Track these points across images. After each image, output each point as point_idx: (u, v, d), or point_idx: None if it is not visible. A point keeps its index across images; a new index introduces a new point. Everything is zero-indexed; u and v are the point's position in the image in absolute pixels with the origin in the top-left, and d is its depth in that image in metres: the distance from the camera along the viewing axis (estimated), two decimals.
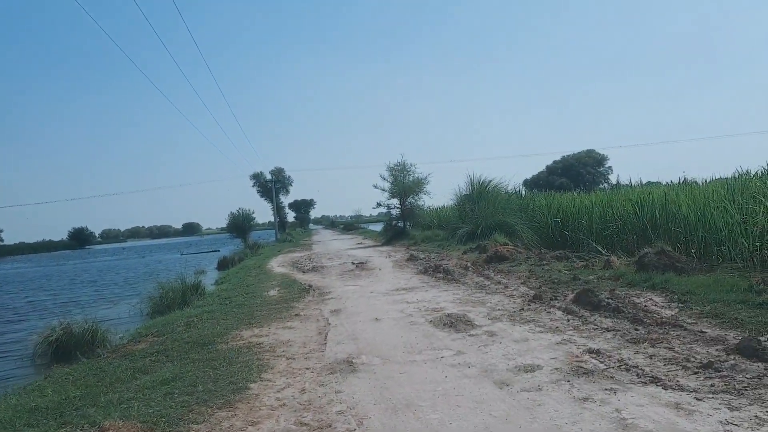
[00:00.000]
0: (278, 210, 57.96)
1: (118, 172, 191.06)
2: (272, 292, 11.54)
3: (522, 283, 9.81)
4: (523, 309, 7.58)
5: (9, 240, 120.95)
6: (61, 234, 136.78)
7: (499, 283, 10.20)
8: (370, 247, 25.77)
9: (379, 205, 29.55)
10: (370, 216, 78.18)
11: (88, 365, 6.46)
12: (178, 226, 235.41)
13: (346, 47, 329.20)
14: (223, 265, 23.99)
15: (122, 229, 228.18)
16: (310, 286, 12.15)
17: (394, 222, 29.35)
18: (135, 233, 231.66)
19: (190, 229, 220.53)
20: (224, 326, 7.98)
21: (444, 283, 10.83)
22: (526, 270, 11.27)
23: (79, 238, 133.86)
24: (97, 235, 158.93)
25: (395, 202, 28.54)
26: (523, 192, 23.12)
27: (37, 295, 20.45)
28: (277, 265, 18.90)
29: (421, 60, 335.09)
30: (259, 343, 6.72)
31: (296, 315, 8.59)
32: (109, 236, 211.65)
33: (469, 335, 6.35)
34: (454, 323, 6.88)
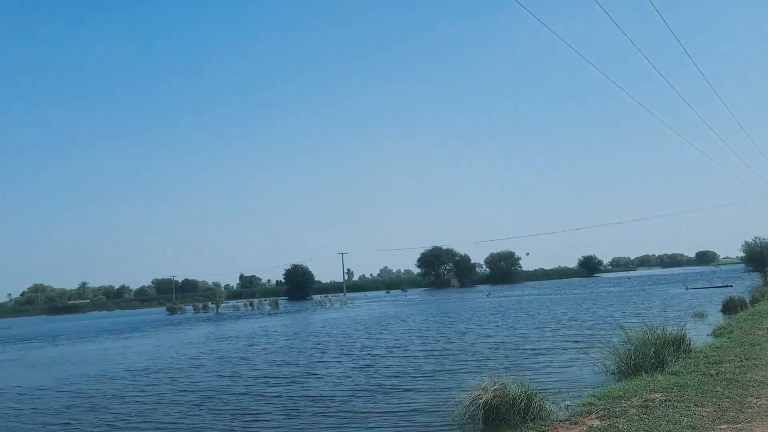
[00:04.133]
0: None
1: (624, 199, 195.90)
2: None
3: None
4: None
5: (529, 266, 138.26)
6: (574, 261, 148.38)
7: None
8: None
9: None
10: None
11: None
12: (691, 254, 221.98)
13: None
14: (729, 307, 19.78)
15: (632, 257, 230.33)
16: None
17: None
18: (644, 261, 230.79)
19: (704, 258, 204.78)
20: (691, 421, 5.54)
21: None
22: None
23: (588, 266, 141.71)
24: (605, 262, 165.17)
25: None
26: None
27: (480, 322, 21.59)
28: None
29: None
30: None
31: None
32: (619, 264, 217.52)
33: None
34: None
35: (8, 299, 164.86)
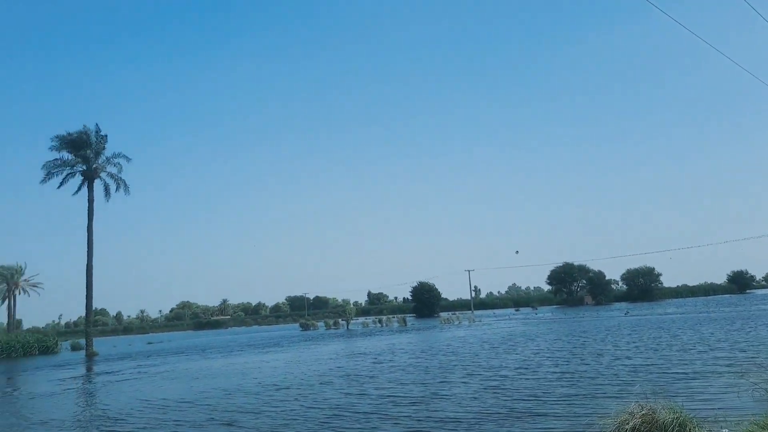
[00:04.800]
0: None
1: None
2: None
3: None
4: None
5: (671, 282, 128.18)
6: (722, 276, 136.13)
7: None
8: None
9: None
10: None
11: None
12: None
13: None
14: None
15: None
16: None
17: None
18: None
19: None
20: None
21: None
22: None
23: (739, 282, 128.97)
24: (759, 277, 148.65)
25: None
26: None
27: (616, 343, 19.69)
28: None
29: None
30: None
31: None
32: None
33: None
34: None
35: (159, 315, 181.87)
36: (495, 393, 12.25)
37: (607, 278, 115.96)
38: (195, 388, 17.08)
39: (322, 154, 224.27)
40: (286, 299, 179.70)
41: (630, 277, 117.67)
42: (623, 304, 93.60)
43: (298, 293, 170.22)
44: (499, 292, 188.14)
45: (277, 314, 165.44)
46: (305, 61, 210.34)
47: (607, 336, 26.82)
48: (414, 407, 11.24)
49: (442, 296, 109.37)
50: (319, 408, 11.92)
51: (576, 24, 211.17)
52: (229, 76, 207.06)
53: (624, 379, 13.02)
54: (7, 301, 71.98)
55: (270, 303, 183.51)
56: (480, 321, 59.19)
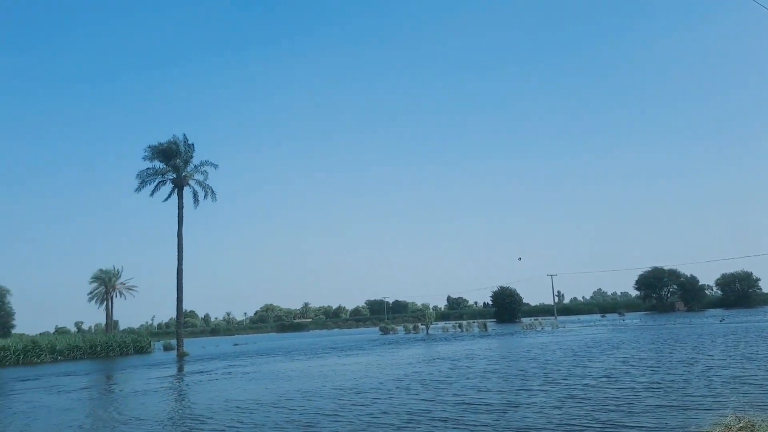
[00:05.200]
0: None
1: None
2: None
3: None
4: None
5: None
6: None
7: None
8: None
9: None
10: None
11: None
12: None
13: None
14: None
15: None
16: None
17: None
18: None
19: None
20: None
21: None
22: None
23: None
24: None
25: None
26: None
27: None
28: None
29: None
30: None
31: None
32: None
33: None
34: None
35: (244, 317, 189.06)
36: (578, 402, 11.83)
37: (700, 283, 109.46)
38: (277, 390, 17.60)
39: (405, 156, 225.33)
40: (365, 303, 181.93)
41: (725, 282, 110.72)
42: (718, 311, 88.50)
43: (378, 297, 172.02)
44: (583, 297, 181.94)
45: (356, 318, 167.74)
46: (403, 53, 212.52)
47: (699, 344, 25.27)
48: (492, 415, 11.05)
49: (524, 301, 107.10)
50: (395, 413, 11.96)
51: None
52: (317, 71, 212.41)
53: (718, 390, 12.23)
54: (105, 303, 77.13)
55: (350, 306, 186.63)
56: (563, 327, 57.38)
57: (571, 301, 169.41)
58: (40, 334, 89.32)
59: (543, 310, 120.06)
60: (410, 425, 10.56)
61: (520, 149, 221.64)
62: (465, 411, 11.68)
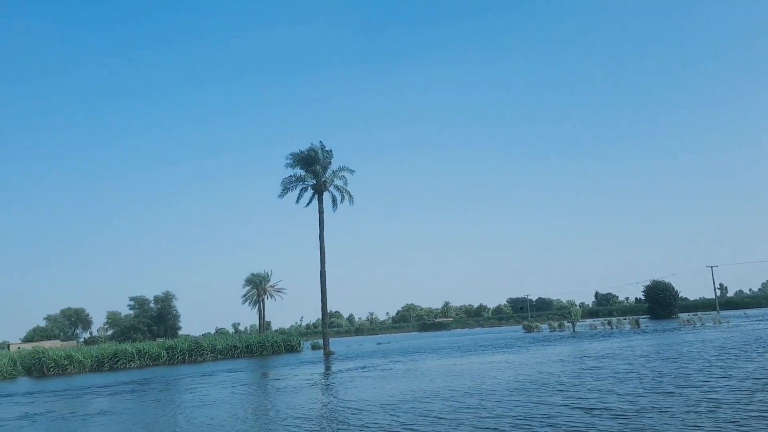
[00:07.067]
0: None
1: None
2: None
3: None
4: None
5: None
6: None
7: None
8: None
9: None
10: None
11: None
12: None
13: None
14: None
15: None
16: None
17: None
18: None
19: None
20: None
21: None
22: None
23: None
24: None
25: None
26: None
27: None
28: None
29: None
30: None
31: None
32: None
33: None
34: None
35: (386, 317, 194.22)
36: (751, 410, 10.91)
37: None
38: (422, 386, 18.07)
39: (544, 146, 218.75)
40: (507, 301, 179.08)
41: None
42: None
43: (520, 295, 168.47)
44: (750, 290, 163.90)
45: (498, 316, 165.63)
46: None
47: None
48: (650, 419, 10.57)
49: (681, 295, 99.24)
50: (538, 416, 11.85)
51: None
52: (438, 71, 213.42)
53: None
54: (257, 305, 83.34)
55: (491, 305, 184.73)
56: (728, 322, 52.35)
57: (736, 294, 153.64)
58: (202, 334, 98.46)
59: (703, 305, 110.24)
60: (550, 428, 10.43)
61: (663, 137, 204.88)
62: (607, 418, 11.26)
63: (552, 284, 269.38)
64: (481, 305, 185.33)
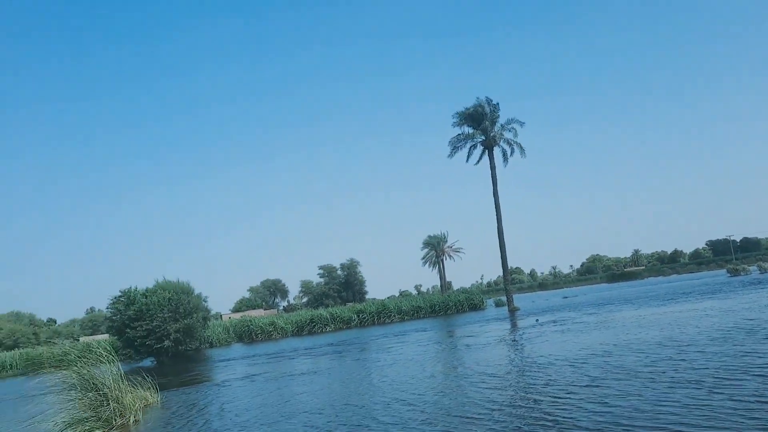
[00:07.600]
0: None
1: None
2: None
3: None
4: None
5: None
6: None
7: None
8: None
9: None
10: None
11: None
12: None
13: None
14: None
15: None
16: None
17: None
18: None
19: None
20: None
21: None
22: None
23: None
24: None
25: None
26: None
27: None
28: None
29: None
30: None
31: None
32: None
33: None
34: None
35: (571, 270, 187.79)
36: None
37: None
38: (615, 339, 17.27)
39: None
40: (706, 244, 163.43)
41: None
42: None
43: (721, 236, 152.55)
44: None
45: (698, 261, 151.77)
46: None
47: None
48: None
49: None
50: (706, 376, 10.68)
51: None
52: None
53: None
54: (437, 266, 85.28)
55: (688, 250, 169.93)
56: None
57: None
58: (387, 297, 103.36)
59: None
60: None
61: None
62: None
63: (760, 221, 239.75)
64: (675, 250, 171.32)
